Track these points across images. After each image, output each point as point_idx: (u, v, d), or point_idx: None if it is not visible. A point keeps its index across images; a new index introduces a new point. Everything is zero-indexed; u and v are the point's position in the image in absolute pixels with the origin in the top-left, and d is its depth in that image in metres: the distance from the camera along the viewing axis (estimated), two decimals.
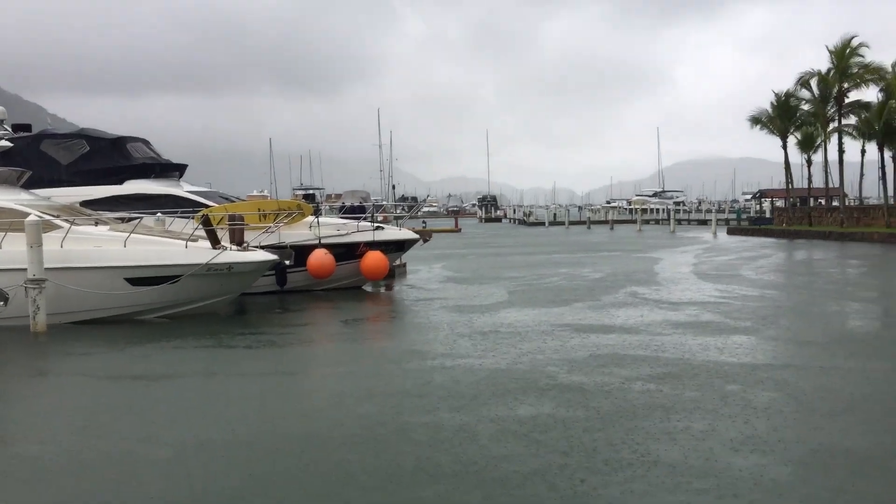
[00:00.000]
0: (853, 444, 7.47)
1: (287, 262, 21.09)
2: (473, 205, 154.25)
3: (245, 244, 18.96)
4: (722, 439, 7.62)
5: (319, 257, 21.41)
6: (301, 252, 21.64)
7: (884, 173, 50.43)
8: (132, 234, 16.94)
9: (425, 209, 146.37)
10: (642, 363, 11.25)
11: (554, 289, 21.66)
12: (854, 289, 22.11)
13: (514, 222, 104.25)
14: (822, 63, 54.31)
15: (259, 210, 22.57)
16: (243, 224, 20.15)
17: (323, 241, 22.00)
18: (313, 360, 13.54)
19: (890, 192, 51.34)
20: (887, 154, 49.81)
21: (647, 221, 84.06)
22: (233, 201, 24.49)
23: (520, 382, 10.22)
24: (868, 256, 33.61)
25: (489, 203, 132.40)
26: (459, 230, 74.26)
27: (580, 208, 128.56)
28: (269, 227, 21.27)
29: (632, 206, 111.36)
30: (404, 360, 12.16)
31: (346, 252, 22.37)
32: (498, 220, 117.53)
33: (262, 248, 19.48)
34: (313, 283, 21.87)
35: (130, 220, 19.31)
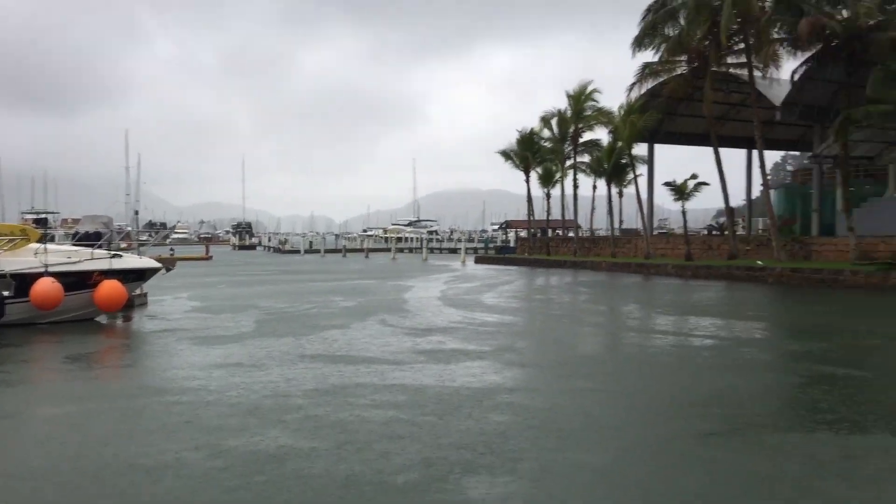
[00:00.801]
0: (586, 460, 7.85)
1: (5, 293, 18.88)
2: (227, 231, 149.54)
3: None
4: (452, 463, 7.68)
5: (45, 286, 19.38)
6: (24, 281, 19.46)
7: (611, 208, 55.53)
8: None
9: (175, 235, 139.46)
10: (386, 391, 11.22)
11: (303, 317, 21.27)
12: (581, 314, 23.89)
13: (270, 250, 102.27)
14: (561, 104, 59.09)
15: None
16: None
17: (51, 268, 19.96)
18: (24, 401, 12.07)
19: (616, 224, 56.62)
20: (614, 190, 54.97)
21: (401, 250, 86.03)
22: None
23: (260, 416, 9.77)
24: (595, 283, 36.66)
25: (244, 230, 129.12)
26: (211, 257, 71.47)
27: (337, 236, 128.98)
28: None
29: (387, 235, 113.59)
30: (133, 396, 11.20)
31: (78, 281, 20.45)
32: (252, 247, 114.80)
33: None
34: (37, 314, 19.75)
35: None
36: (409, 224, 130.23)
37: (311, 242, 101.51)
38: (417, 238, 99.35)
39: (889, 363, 14.45)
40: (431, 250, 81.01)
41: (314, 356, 14.46)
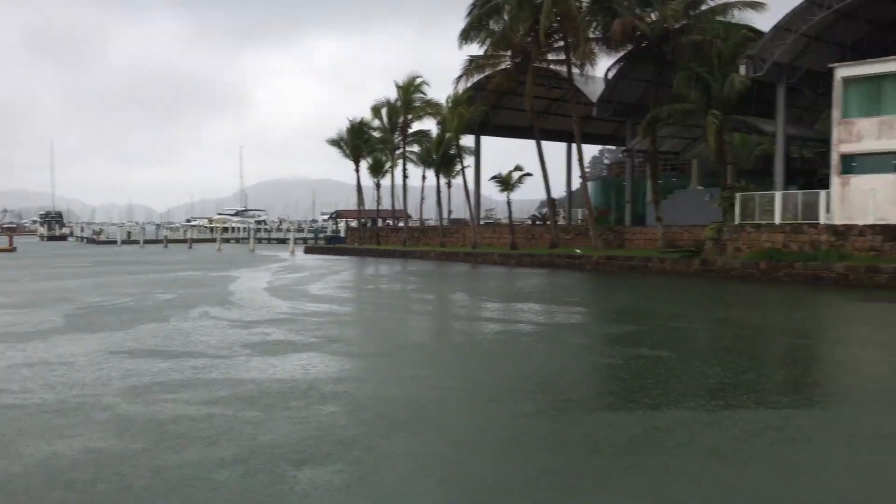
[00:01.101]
0: (415, 447, 7.85)
1: None
2: (34, 221, 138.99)
3: None
4: (278, 456, 7.47)
5: None
6: None
7: (440, 198, 56.36)
8: None
9: None
10: (207, 386, 10.76)
11: (119, 311, 20.04)
12: (409, 302, 24.09)
13: (83, 241, 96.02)
14: (391, 95, 59.25)
15: None
16: None
17: None
18: None
19: (445, 214, 57.56)
20: (443, 181, 55.80)
21: (227, 240, 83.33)
22: None
23: (70, 417, 9.07)
24: (424, 273, 37.13)
25: (53, 219, 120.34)
26: (14, 249, 66.04)
27: (158, 226, 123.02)
28: None
29: (213, 225, 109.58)
30: None
31: None
32: (63, 237, 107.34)
33: None
34: None
35: None
36: (237, 213, 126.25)
37: (128, 233, 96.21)
38: (245, 228, 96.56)
39: (691, 344, 15.57)
40: (259, 240, 79.06)
41: (130, 352, 13.64)
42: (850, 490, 6.83)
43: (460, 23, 44.84)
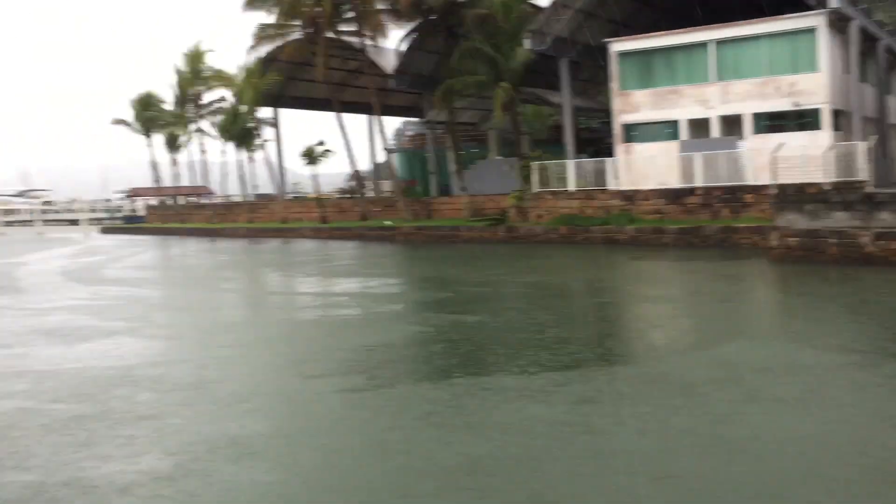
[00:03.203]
0: (233, 430, 7.96)
1: None
2: None
3: None
4: (85, 444, 7.36)
5: None
6: None
7: (243, 173, 54.97)
8: None
9: None
10: (6, 380, 10.21)
11: None
12: (220, 281, 23.62)
13: None
14: (179, 65, 56.74)
15: None
16: None
17: None
18: None
19: (250, 189, 56.29)
20: (245, 155, 54.42)
21: (10, 223, 76.76)
22: None
23: None
24: (233, 250, 36.34)
25: None
26: None
27: None
28: None
29: None
30: None
31: None
32: None
33: None
34: None
35: None
36: (19, 194, 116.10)
37: None
38: (31, 210, 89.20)
39: (499, 307, 16.51)
40: (48, 223, 73.46)
41: None
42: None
43: None
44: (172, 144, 59.61)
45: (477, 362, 10.73)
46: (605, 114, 41.03)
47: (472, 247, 32.21)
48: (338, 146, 48.76)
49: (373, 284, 20.66)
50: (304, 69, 47.88)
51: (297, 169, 59.25)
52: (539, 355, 10.93)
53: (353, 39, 42.96)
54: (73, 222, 78.31)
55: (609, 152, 35.09)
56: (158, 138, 60.11)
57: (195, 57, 54.95)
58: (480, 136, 53.94)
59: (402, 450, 7.23)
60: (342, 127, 44.64)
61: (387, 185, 57.70)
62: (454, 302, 16.84)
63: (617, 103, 33.45)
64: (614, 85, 33.39)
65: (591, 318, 14.96)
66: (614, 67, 33.27)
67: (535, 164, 34.81)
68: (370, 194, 52.34)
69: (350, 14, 41.79)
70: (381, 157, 53.23)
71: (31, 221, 76.38)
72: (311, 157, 45.51)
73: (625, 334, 13.49)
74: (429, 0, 38.19)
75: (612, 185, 32.50)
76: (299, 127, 65.84)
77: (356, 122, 57.57)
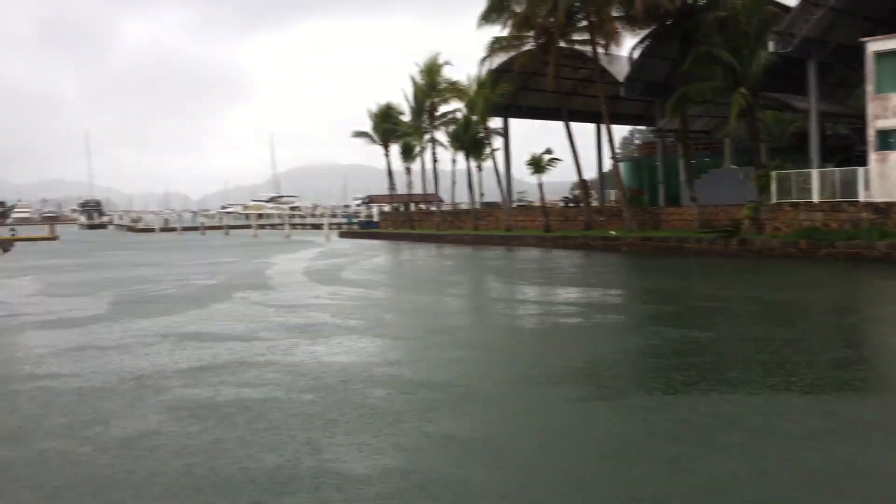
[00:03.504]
0: (462, 432, 8.14)
1: None
2: (74, 210, 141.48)
3: None
4: (328, 439, 7.79)
5: None
6: None
7: (471, 181, 56.46)
8: None
9: (16, 215, 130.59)
10: (258, 369, 11.13)
11: (162, 298, 20.59)
12: (449, 286, 24.34)
13: (122, 229, 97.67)
14: (399, 80, 59.42)
15: None
16: None
17: None
18: None
19: (477, 197, 57.68)
20: (473, 164, 55.86)
21: (262, 226, 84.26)
22: None
23: (126, 399, 9.49)
24: (460, 256, 37.38)
25: (92, 208, 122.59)
26: (57, 237, 67.45)
27: (194, 213, 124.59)
28: None
29: (248, 212, 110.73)
30: None
31: None
32: (103, 226, 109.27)
33: None
34: None
35: None
36: (270, 200, 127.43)
37: (166, 220, 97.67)
38: (279, 214, 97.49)
39: (731, 323, 15.61)
40: (294, 226, 79.78)
41: (179, 336, 14.08)
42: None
43: (469, 6, 44.45)
44: (407, 154, 62.50)
45: (712, 379, 10.16)
46: (857, 119, 37.71)
47: (701, 259, 30.82)
48: (564, 154, 48.85)
49: (596, 294, 20.32)
50: (534, 79, 48.38)
51: (522, 177, 59.88)
52: (781, 374, 10.16)
53: (585, 48, 42.80)
54: (316, 226, 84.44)
55: (859, 161, 32.20)
56: (394, 148, 63.26)
57: (432, 70, 57.18)
58: (714, 144, 51.62)
59: (650, 461, 6.99)
60: (570, 136, 44.53)
61: (612, 195, 56.74)
62: (682, 315, 16.15)
63: (872, 108, 30.62)
64: (869, 88, 30.63)
65: (837, 338, 13.73)
66: (870, 69, 30.50)
67: (773, 174, 32.69)
68: (595, 203, 51.75)
69: (583, 23, 41.65)
70: (608, 165, 52.42)
71: (280, 225, 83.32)
72: (537, 165, 45.78)
73: (880, 359, 12.20)
74: (665, 4, 37.10)
75: (862, 196, 29.78)
76: (526, 135, 66.48)
77: (583, 131, 57.06)
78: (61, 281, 26.70)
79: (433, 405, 9.09)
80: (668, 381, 10.28)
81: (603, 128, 47.96)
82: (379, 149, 64.46)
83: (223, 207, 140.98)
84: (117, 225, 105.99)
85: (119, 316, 17.07)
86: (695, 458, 7.11)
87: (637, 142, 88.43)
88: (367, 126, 64.83)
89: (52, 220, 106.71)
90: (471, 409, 9.00)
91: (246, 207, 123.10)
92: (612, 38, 40.23)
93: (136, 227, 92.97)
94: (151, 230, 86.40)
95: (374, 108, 63.63)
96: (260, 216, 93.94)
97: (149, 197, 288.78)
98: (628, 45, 41.79)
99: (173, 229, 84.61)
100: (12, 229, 74.13)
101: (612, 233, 39.90)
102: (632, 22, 39.44)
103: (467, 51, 48.15)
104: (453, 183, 61.39)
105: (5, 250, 23.73)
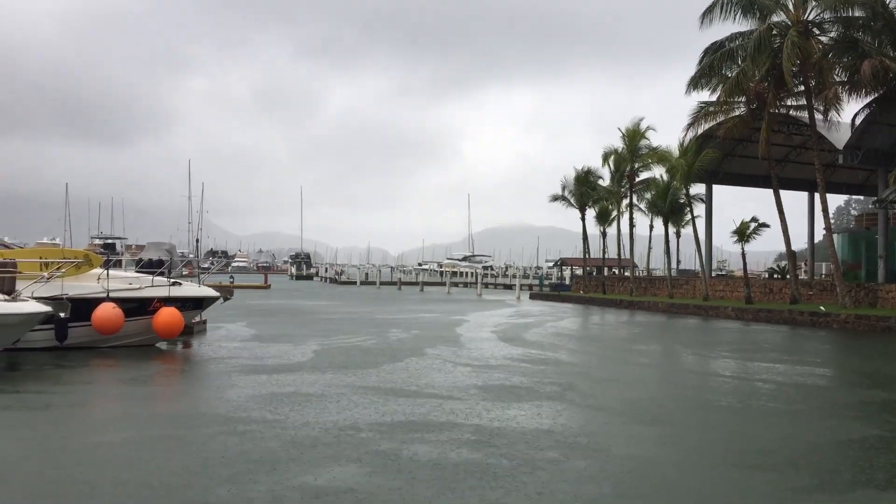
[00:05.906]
0: None
1: (62, 315, 19.23)
2: (286, 261, 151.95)
3: (15, 294, 17.15)
4: None
5: (106, 311, 19.85)
6: (84, 305, 19.89)
7: (668, 248, 54.77)
8: None
9: (235, 264, 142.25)
10: (455, 429, 11.09)
11: (361, 349, 21.31)
12: (636, 356, 23.39)
13: (327, 280, 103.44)
14: (591, 144, 59.40)
15: (41, 258, 20.69)
16: (14, 271, 18.31)
17: (112, 294, 20.44)
18: (81, 422, 12.26)
19: (673, 264, 55.77)
20: (671, 230, 54.21)
21: (455, 284, 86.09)
22: (11, 248, 22.32)
23: (325, 449, 9.73)
24: (653, 324, 36.04)
25: (302, 260, 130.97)
26: (269, 286, 72.42)
27: (392, 269, 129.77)
28: (42, 277, 19.41)
29: (442, 269, 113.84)
30: (187, 424, 11.28)
31: (138, 307, 20.91)
32: (310, 277, 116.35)
33: (38, 299, 17.72)
34: (99, 339, 20.20)
35: None
36: (464, 258, 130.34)
37: (366, 274, 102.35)
38: (472, 273, 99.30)
39: None
40: (486, 285, 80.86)
41: (375, 389, 14.40)
42: None
43: (657, 72, 43.66)
44: (604, 218, 61.85)
45: None
46: None
47: None
48: (770, 223, 46.30)
49: (802, 373, 18.74)
50: (742, 145, 46.60)
51: (722, 244, 57.35)
52: None
53: (801, 114, 40.72)
54: (507, 286, 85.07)
55: None
56: (590, 212, 62.88)
57: (633, 135, 56.55)
58: None
59: None
60: (779, 204, 42.16)
61: (824, 268, 52.90)
62: None
63: None
64: None
65: None
66: None
67: None
68: (803, 276, 48.43)
69: (800, 88, 39.64)
70: (819, 236, 49.06)
71: (472, 283, 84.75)
72: (742, 234, 43.64)
73: None
74: (894, 68, 34.56)
75: None
76: (725, 202, 63.75)
77: (791, 199, 53.96)
78: (274, 326, 28.41)
79: (631, 482, 8.57)
80: (888, 474, 9.12)
81: (816, 197, 45.07)
82: (573, 212, 64.30)
83: (420, 264, 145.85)
84: (322, 277, 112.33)
85: (322, 366, 17.80)
86: None
87: (854, 213, 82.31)
88: (559, 188, 65.01)
89: (266, 270, 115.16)
90: (678, 489, 8.39)
91: (441, 265, 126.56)
92: (833, 103, 37.85)
93: (338, 279, 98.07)
94: (353, 283, 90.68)
95: (573, 173, 63.76)
96: (454, 274, 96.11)
97: (352, 251, 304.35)
98: (847, 109, 39.33)
99: (373, 283, 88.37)
100: (231, 277, 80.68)
101: (822, 308, 37.00)
102: (855, 86, 37.05)
103: (660, 116, 47.29)
104: (649, 249, 59.92)
105: (226, 299, 25.65)
